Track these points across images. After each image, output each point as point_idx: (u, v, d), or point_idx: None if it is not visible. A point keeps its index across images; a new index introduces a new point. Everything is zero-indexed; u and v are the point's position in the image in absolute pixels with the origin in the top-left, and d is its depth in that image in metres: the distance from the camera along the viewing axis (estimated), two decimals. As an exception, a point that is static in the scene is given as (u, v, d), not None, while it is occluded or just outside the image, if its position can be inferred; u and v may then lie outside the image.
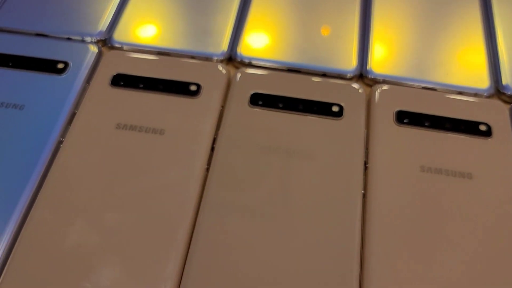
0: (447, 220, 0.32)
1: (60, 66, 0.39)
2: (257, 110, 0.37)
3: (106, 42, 0.42)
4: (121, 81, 0.38)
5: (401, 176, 0.34)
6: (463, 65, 0.40)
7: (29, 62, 0.39)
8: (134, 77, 0.38)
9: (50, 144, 0.35)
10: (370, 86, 0.40)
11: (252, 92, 0.38)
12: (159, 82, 0.38)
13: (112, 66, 0.39)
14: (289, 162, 0.35)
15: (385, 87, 0.39)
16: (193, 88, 0.38)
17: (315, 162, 0.35)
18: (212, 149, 0.35)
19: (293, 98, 0.38)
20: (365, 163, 0.35)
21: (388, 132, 0.36)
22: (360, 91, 0.38)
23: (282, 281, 0.30)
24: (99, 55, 0.41)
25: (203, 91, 0.38)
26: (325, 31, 0.42)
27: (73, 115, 0.37)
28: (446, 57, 0.41)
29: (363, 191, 0.34)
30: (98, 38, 0.42)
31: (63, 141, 0.36)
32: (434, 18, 0.44)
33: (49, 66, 0.39)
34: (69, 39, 0.41)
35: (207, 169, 0.34)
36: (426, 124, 0.37)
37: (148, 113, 0.37)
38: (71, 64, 0.39)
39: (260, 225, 0.32)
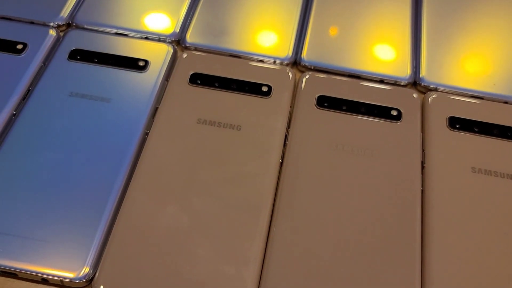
0: (494, 215, 0.36)
1: (141, 63, 0.43)
2: (323, 111, 0.41)
3: (179, 42, 0.45)
4: (199, 79, 0.42)
5: (455, 175, 0.38)
6: None
7: (113, 59, 0.43)
8: (211, 77, 0.42)
9: (137, 135, 0.39)
10: (424, 92, 0.43)
11: (318, 94, 0.42)
12: (233, 82, 0.42)
13: (189, 65, 0.43)
14: (353, 159, 0.38)
15: (437, 94, 0.43)
16: (264, 89, 0.42)
17: (377, 160, 0.38)
18: (284, 144, 0.39)
19: (355, 101, 0.41)
20: (422, 163, 0.39)
21: (442, 136, 0.40)
22: (415, 96, 0.42)
23: (349, 264, 0.34)
24: (174, 54, 0.44)
25: (274, 92, 0.41)
26: (380, 38, 0.46)
27: (155, 110, 0.40)
28: (495, 67, 0.44)
29: (421, 188, 0.38)
30: (172, 39, 0.45)
31: (148, 133, 0.39)
32: (486, 25, 0.47)
33: (131, 63, 0.43)
34: (146, 38, 0.45)
35: (281, 163, 0.38)
36: (476, 129, 0.40)
37: (225, 110, 0.40)
38: (150, 62, 0.43)
39: (329, 213, 0.36)
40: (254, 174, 0.37)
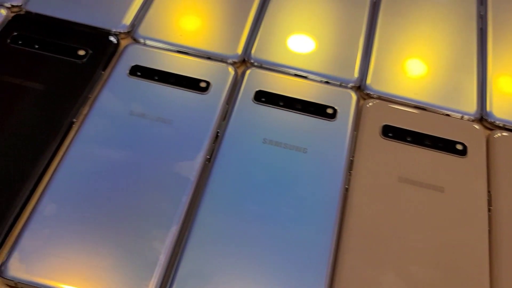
0: None
1: (330, 111, 0.41)
2: (523, 175, 0.40)
3: (360, 88, 0.44)
4: (391, 132, 0.41)
5: None
6: None
7: (299, 103, 0.41)
8: (403, 130, 0.41)
9: (338, 190, 0.37)
10: None
11: (516, 157, 0.40)
12: (426, 138, 0.40)
13: (378, 116, 0.42)
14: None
15: None
16: (459, 147, 0.40)
17: None
18: (489, 210, 0.38)
19: (555, 167, 0.40)
20: None
21: None
22: None
23: None
24: (358, 102, 0.43)
25: (469, 151, 0.40)
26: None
27: (350, 162, 0.39)
28: None
29: None
30: (353, 85, 0.44)
31: (348, 188, 0.38)
32: None
33: (320, 110, 0.41)
34: (327, 82, 0.44)
35: (489, 231, 0.37)
36: None
37: (424, 169, 0.39)
38: (338, 110, 0.42)
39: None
40: (465, 241, 0.36)
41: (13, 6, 0.46)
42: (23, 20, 0.45)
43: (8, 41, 0.43)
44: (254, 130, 0.40)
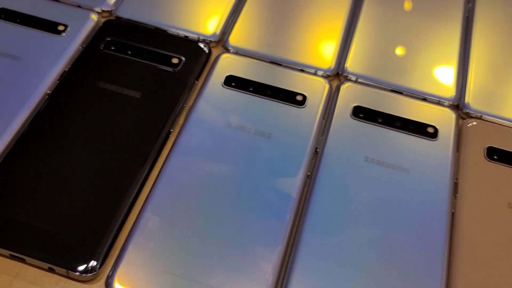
0: None
1: (430, 130, 0.40)
2: None
3: (459, 106, 0.42)
4: (496, 155, 0.39)
5: None
6: None
7: (397, 121, 0.40)
8: (509, 153, 0.39)
9: (445, 213, 0.36)
10: None
11: None
12: None
13: (481, 137, 0.40)
14: None
15: None
16: None
17: None
18: None
19: None
20: None
21: None
22: None
23: None
24: (457, 121, 0.41)
25: None
26: None
27: (454, 185, 0.38)
28: None
29: None
30: (451, 103, 0.42)
31: (454, 212, 0.37)
32: None
33: (420, 129, 0.40)
34: (424, 99, 0.42)
35: None
36: None
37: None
38: (439, 129, 0.40)
39: None
40: None
41: (103, 11, 0.46)
42: (115, 26, 0.44)
43: (102, 47, 0.43)
44: (354, 147, 0.39)
